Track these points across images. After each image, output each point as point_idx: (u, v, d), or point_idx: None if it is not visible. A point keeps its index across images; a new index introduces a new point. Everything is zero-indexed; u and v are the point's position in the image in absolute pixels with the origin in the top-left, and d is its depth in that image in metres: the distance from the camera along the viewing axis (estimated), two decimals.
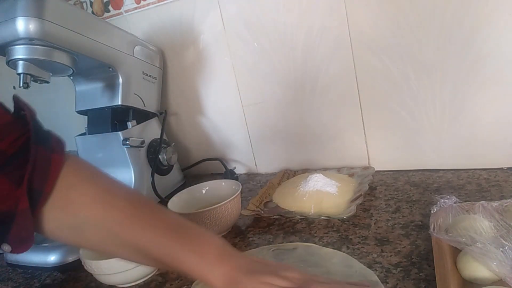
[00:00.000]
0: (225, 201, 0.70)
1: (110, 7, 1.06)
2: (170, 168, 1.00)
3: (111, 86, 0.89)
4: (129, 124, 0.91)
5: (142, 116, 0.95)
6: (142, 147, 0.91)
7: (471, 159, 0.79)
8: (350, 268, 0.56)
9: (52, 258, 0.74)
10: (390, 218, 0.68)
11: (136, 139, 0.89)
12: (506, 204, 0.57)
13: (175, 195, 0.79)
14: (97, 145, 0.93)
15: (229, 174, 1.01)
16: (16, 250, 0.43)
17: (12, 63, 0.72)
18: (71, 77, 0.91)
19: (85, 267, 0.64)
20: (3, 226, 0.41)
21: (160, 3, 0.99)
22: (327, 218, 0.71)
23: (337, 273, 0.55)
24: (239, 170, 1.06)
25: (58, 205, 0.44)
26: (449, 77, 0.76)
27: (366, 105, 0.85)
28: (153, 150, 0.95)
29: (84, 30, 0.76)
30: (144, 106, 0.95)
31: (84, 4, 1.10)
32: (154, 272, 0.67)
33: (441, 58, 0.75)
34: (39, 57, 0.72)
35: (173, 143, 1.01)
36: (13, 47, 0.71)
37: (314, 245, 0.64)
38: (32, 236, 0.44)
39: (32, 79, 0.73)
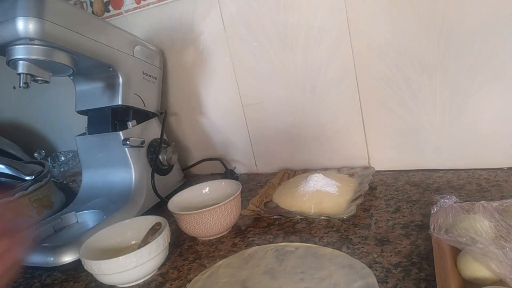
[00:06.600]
0: (225, 201, 0.70)
1: (110, 7, 1.06)
2: (170, 168, 1.00)
3: (111, 86, 0.89)
4: (129, 124, 0.91)
5: (142, 116, 0.95)
6: (142, 147, 0.91)
7: (471, 159, 0.79)
8: (350, 268, 0.56)
9: (52, 258, 0.74)
10: (390, 218, 0.68)
11: (136, 139, 0.89)
12: (506, 204, 0.56)
13: (175, 195, 0.79)
14: (97, 145, 0.93)
15: (229, 174, 1.01)
16: None
17: (12, 63, 0.72)
18: (71, 77, 0.91)
19: (85, 267, 0.64)
20: None
21: (160, 3, 0.99)
22: (327, 218, 0.71)
23: (337, 274, 0.55)
24: (239, 170, 1.06)
25: None
26: (449, 77, 0.76)
27: (366, 105, 0.85)
28: (153, 150, 0.95)
29: (84, 30, 0.76)
30: (144, 106, 0.95)
31: (84, 4, 1.10)
32: (154, 272, 0.67)
33: (441, 58, 0.75)
34: (39, 57, 0.72)
35: (173, 143, 1.01)
36: (13, 47, 0.71)
37: (315, 245, 0.64)
38: None
39: (32, 79, 0.73)
